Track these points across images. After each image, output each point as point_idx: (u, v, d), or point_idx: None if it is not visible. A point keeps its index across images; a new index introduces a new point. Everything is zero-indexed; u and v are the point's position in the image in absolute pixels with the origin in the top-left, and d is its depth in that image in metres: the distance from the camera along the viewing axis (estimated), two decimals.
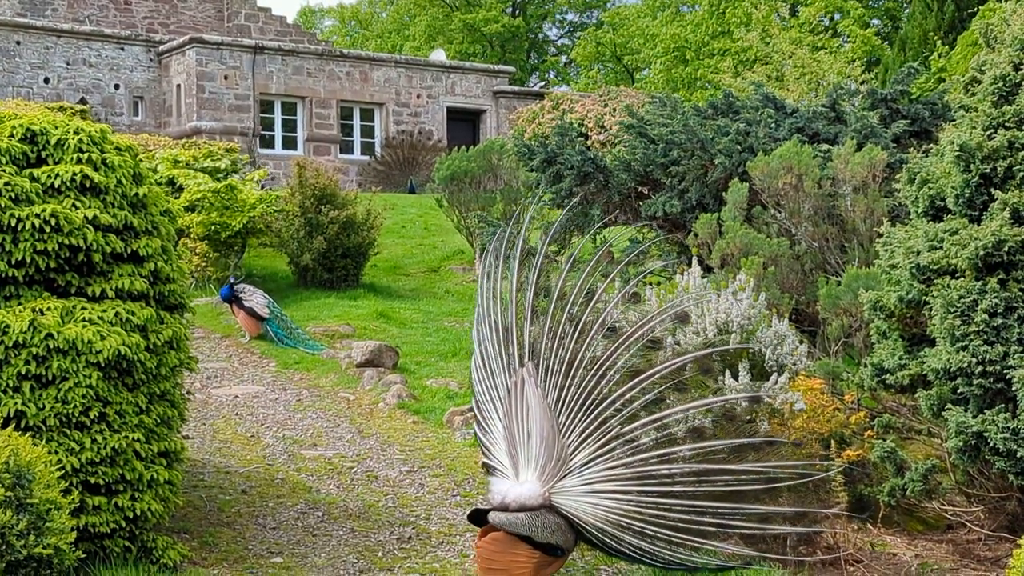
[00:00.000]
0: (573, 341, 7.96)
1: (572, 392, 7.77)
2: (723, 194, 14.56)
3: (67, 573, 6.69)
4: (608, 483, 7.52)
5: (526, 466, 7.58)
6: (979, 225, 9.34)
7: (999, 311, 9.00)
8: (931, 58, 32.62)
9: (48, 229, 7.75)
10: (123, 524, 7.84)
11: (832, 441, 9.98)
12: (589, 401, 7.73)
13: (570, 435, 7.63)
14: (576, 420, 7.68)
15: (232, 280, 16.94)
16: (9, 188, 7.76)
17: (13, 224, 7.69)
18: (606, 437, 7.61)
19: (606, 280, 8.48)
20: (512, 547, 7.35)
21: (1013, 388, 8.86)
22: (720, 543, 7.59)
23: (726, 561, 7.73)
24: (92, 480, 7.68)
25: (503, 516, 7.37)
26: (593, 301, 8.19)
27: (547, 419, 7.60)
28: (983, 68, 10.10)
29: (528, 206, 9.54)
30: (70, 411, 7.60)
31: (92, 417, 7.71)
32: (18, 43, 35.73)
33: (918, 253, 9.69)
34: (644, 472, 7.54)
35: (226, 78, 36.85)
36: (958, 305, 9.12)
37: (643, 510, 7.45)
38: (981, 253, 9.04)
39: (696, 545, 7.51)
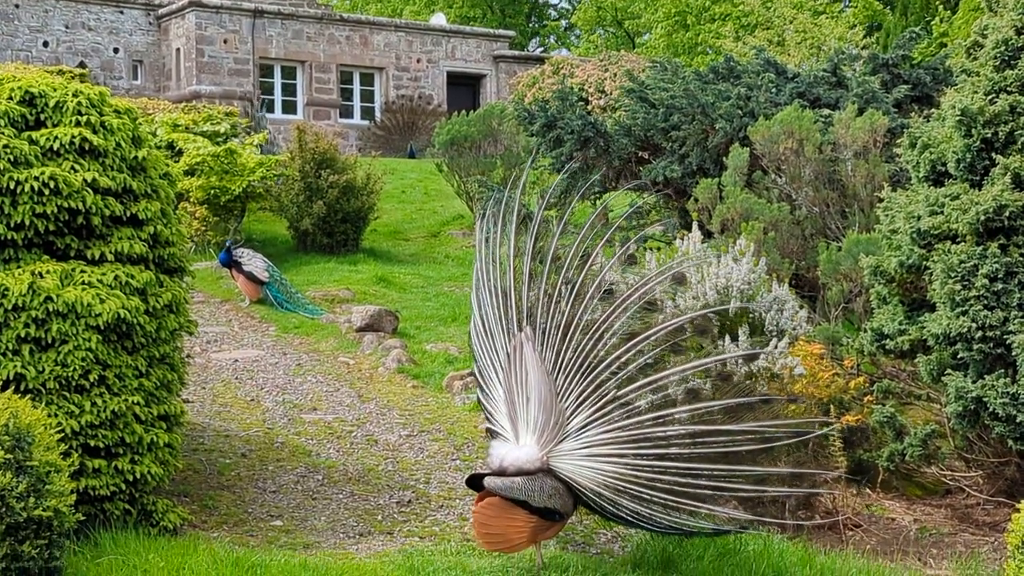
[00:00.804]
0: (569, 304, 7.93)
1: (569, 355, 7.75)
2: (724, 159, 14.54)
3: (67, 535, 6.70)
4: (605, 447, 7.49)
5: (525, 430, 7.58)
6: (980, 190, 9.33)
7: (999, 276, 9.00)
8: (933, 23, 32.55)
9: (47, 192, 7.73)
10: (123, 487, 7.85)
11: (831, 406, 9.99)
12: (586, 364, 7.70)
13: (567, 398, 7.61)
14: (573, 383, 7.66)
15: (229, 244, 16.91)
16: (8, 150, 7.73)
17: (12, 187, 7.67)
18: (602, 400, 7.59)
19: (600, 242, 8.42)
20: (509, 512, 7.35)
21: (1013, 353, 8.87)
22: (716, 507, 7.55)
23: (721, 526, 7.71)
24: (92, 443, 7.68)
25: (499, 481, 7.38)
26: (588, 264, 8.14)
27: (544, 383, 7.59)
28: (985, 32, 10.06)
29: (523, 169, 9.50)
30: (69, 374, 7.60)
31: (92, 380, 7.71)
32: (17, 6, 35.60)
33: (919, 218, 9.68)
34: (640, 435, 7.51)
35: (225, 42, 36.72)
36: (958, 270, 9.12)
37: (639, 473, 7.42)
38: (982, 218, 9.03)
39: (692, 509, 7.46)
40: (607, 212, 8.53)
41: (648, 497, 7.41)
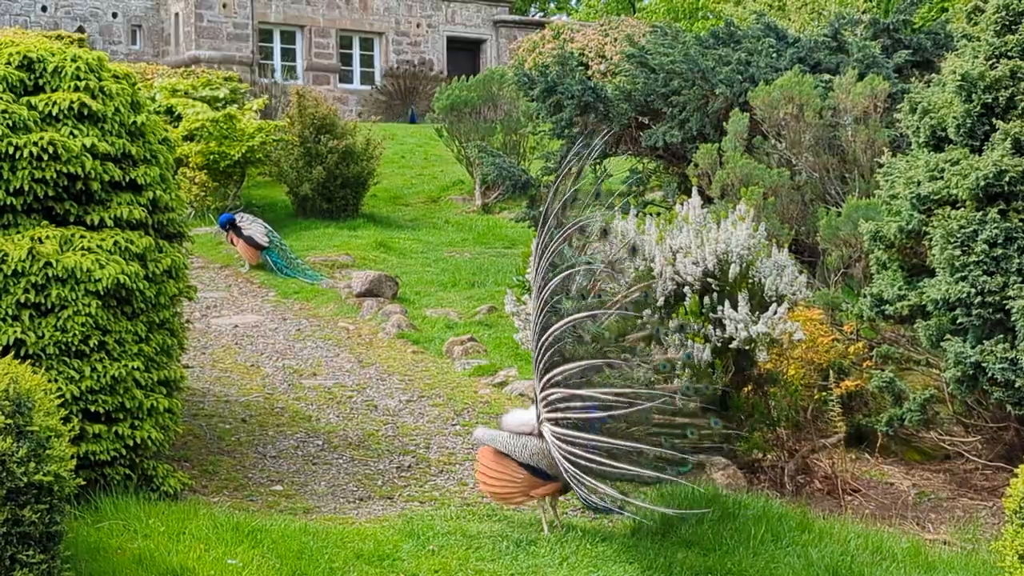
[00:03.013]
0: (536, 268, 7.95)
1: (534, 319, 7.85)
2: (724, 124, 14.49)
3: (68, 500, 6.70)
4: (550, 413, 7.68)
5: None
6: (980, 155, 9.32)
7: (999, 241, 9.00)
8: None
9: (46, 157, 7.72)
10: (123, 452, 7.87)
11: (831, 371, 10.00)
12: (537, 328, 7.77)
13: (536, 365, 7.74)
14: (535, 348, 7.77)
15: (233, 208, 16.94)
16: (6, 116, 7.72)
17: (11, 152, 7.66)
18: (543, 366, 7.70)
19: (557, 204, 8.24)
20: (500, 461, 7.79)
21: (1012, 319, 8.87)
22: (599, 482, 7.44)
23: (609, 503, 7.59)
24: (92, 408, 7.70)
25: (484, 432, 7.98)
26: (546, 226, 8.05)
27: (533, 349, 7.82)
28: None
29: (589, 149, 9.39)
30: (69, 339, 7.61)
31: (91, 346, 7.72)
32: None
33: (919, 183, 9.68)
34: (550, 399, 7.63)
35: (224, 6, 36.60)
36: (958, 235, 9.12)
37: (556, 440, 7.57)
38: (982, 183, 9.02)
39: (586, 483, 7.45)
40: (570, 173, 8.34)
41: (564, 468, 7.50)
